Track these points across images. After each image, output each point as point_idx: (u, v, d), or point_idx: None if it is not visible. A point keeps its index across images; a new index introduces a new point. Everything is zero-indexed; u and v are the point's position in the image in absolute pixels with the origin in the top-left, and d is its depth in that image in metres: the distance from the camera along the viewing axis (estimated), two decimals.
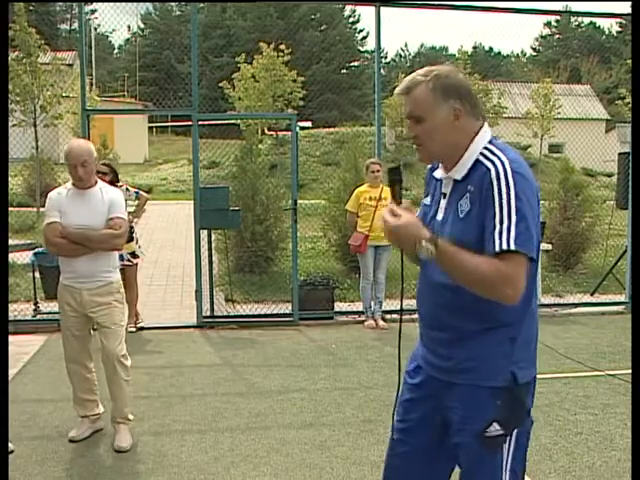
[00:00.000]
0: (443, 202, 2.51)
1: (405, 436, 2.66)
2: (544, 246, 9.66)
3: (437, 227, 2.48)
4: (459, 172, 2.44)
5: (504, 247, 2.25)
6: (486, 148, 2.41)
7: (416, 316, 2.62)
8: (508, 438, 2.46)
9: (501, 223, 2.27)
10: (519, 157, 2.39)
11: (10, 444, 4.77)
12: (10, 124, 15.46)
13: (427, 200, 2.62)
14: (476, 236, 2.33)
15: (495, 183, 2.30)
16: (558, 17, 53.12)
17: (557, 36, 64.58)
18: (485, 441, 2.44)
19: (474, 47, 45.74)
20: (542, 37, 65.42)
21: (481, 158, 2.39)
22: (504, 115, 27.02)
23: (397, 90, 2.47)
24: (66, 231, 4.66)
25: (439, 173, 2.57)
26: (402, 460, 2.68)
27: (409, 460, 2.67)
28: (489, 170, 2.34)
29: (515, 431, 2.47)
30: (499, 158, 2.35)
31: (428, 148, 2.47)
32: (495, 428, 2.43)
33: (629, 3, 8.68)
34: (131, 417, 5.00)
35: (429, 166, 2.66)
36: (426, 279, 2.56)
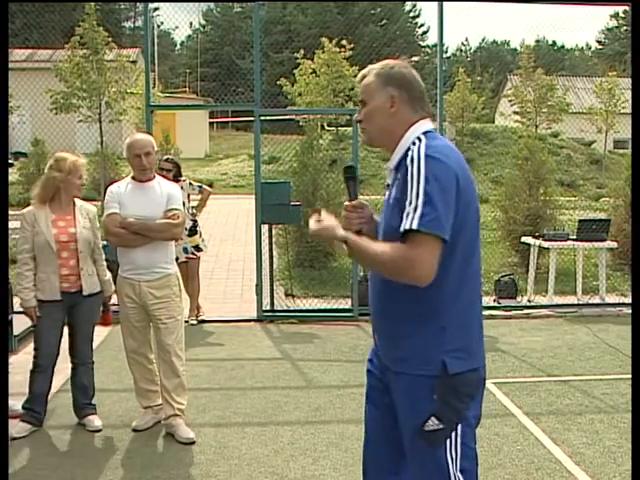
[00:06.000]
0: (387, 193, 2.60)
1: (370, 422, 2.75)
2: (609, 244, 9.43)
3: (382, 218, 2.59)
4: (394, 161, 2.55)
5: (407, 227, 2.32)
6: (417, 138, 2.48)
7: None
8: (453, 434, 2.46)
9: (410, 204, 2.34)
10: (444, 145, 2.47)
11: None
12: (76, 120, 15.84)
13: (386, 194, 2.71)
14: (400, 220, 2.39)
15: (409, 167, 2.38)
16: (626, 7, 51.79)
17: (625, 28, 63.00)
18: (425, 435, 2.45)
19: (537, 41, 44.81)
20: (608, 29, 63.93)
21: (410, 146, 2.47)
22: (568, 111, 26.47)
23: (357, 79, 2.66)
24: (126, 222, 4.76)
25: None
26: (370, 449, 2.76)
27: (374, 448, 2.74)
28: (407, 156, 2.43)
29: (459, 427, 2.47)
30: (419, 144, 2.43)
31: (368, 130, 2.62)
32: (434, 422, 2.44)
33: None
34: (185, 413, 5.01)
35: None
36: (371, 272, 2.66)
